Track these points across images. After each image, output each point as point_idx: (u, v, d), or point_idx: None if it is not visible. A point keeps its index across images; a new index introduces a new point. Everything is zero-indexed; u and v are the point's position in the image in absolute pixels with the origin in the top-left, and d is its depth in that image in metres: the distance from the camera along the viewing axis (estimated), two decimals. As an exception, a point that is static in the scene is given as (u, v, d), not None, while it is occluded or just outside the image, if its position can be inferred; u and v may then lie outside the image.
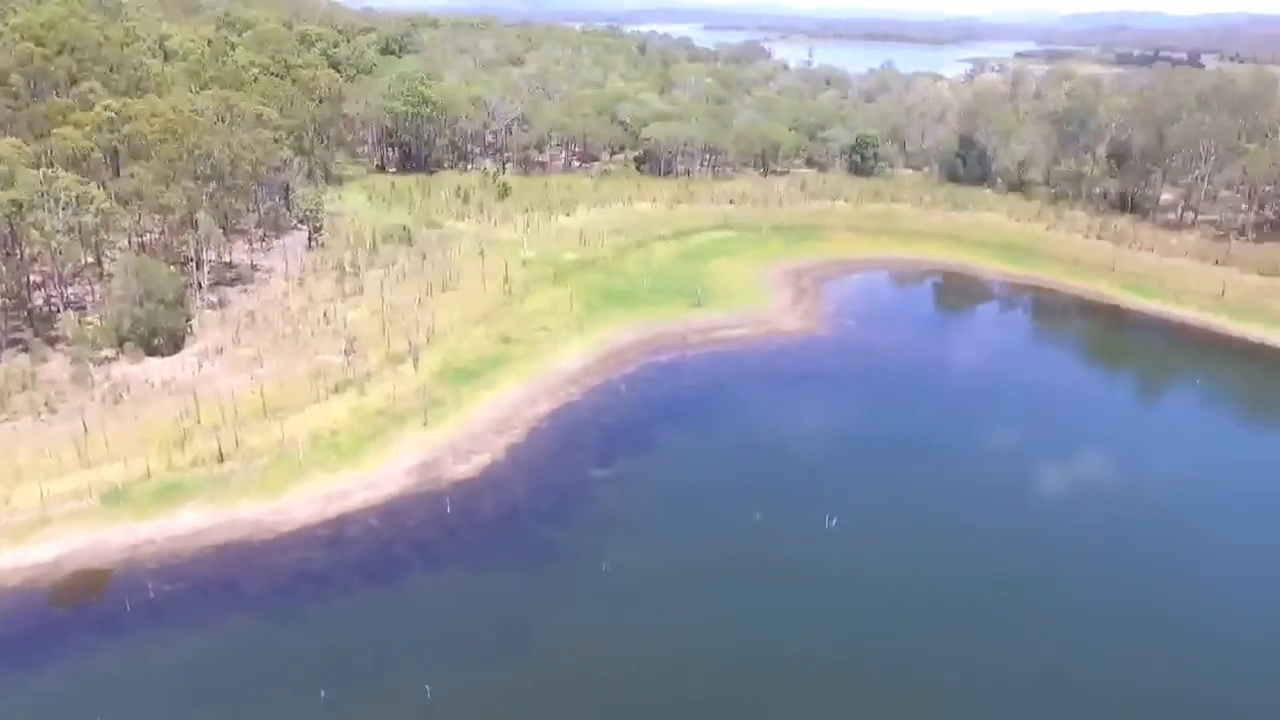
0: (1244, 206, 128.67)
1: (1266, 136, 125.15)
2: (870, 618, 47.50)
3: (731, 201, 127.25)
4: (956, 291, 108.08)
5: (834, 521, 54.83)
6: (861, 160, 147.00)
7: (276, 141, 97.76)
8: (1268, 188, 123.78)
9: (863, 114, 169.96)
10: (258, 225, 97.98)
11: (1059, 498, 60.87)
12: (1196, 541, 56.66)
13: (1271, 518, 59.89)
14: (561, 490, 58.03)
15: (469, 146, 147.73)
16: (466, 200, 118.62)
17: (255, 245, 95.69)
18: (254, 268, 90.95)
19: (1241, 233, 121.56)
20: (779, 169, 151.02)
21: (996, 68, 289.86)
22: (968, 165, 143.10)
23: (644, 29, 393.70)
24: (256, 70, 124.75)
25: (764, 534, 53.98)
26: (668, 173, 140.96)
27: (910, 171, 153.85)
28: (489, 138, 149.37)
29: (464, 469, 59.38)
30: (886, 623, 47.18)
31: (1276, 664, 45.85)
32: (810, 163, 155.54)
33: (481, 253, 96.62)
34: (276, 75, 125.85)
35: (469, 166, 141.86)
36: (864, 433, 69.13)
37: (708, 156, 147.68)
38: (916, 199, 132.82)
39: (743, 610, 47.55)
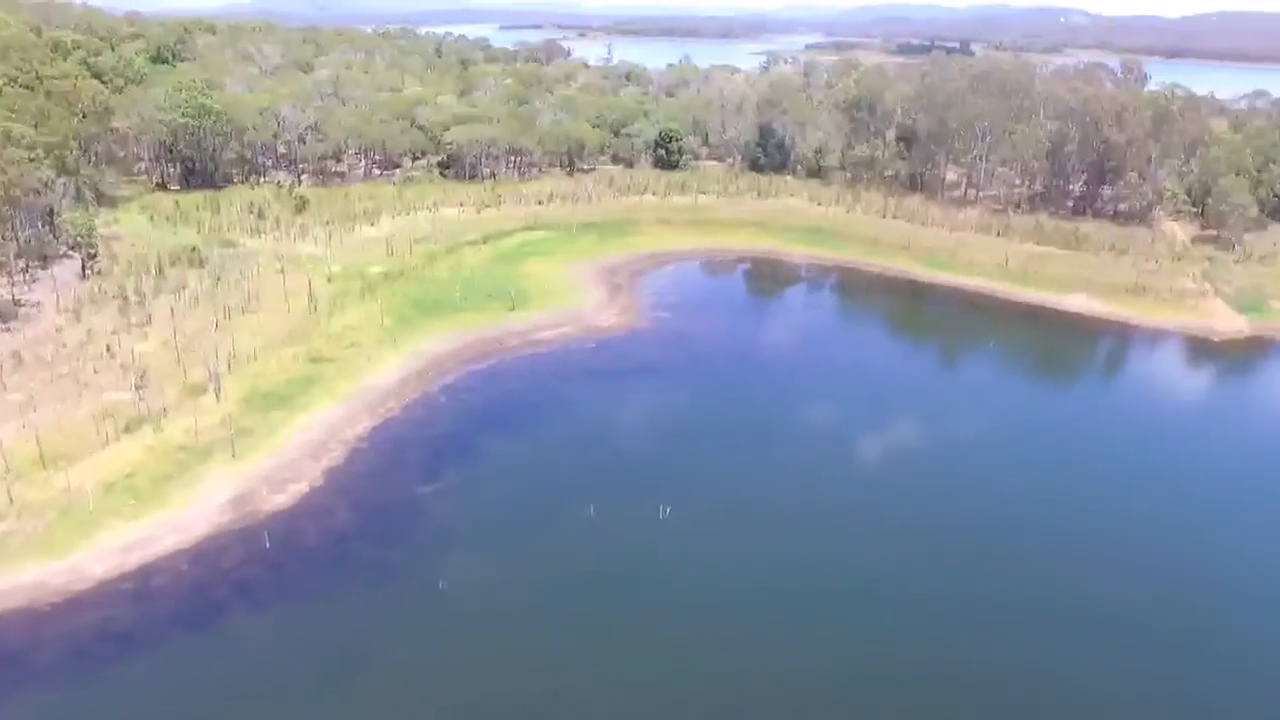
0: (1017, 182, 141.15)
1: (1031, 117, 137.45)
2: (708, 608, 48.77)
3: (540, 202, 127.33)
4: (767, 277, 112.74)
5: (668, 511, 56.01)
6: (667, 154, 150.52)
7: (33, 161, 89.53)
8: (1035, 164, 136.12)
9: (665, 108, 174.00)
10: (18, 255, 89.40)
11: (883, 467, 64.65)
12: (1017, 495, 61.75)
13: (1060, 462, 66.32)
14: (389, 510, 56.37)
15: (260, 159, 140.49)
16: (261, 216, 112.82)
17: (17, 278, 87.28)
18: (17, 303, 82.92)
19: (1017, 206, 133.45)
20: (586, 167, 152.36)
21: (789, 60, 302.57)
22: (768, 154, 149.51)
23: (439, 30, 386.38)
24: (1, 81, 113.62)
25: (599, 530, 54.48)
26: (473, 176, 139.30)
27: (714, 163, 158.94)
28: (281, 149, 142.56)
29: (281, 499, 56.55)
30: (724, 612, 48.64)
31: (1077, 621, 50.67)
32: (616, 159, 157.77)
33: (281, 270, 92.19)
34: (27, 87, 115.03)
35: (261, 180, 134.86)
36: (690, 421, 70.86)
37: (513, 158, 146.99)
38: (722, 189, 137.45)
39: (583, 612, 47.77)
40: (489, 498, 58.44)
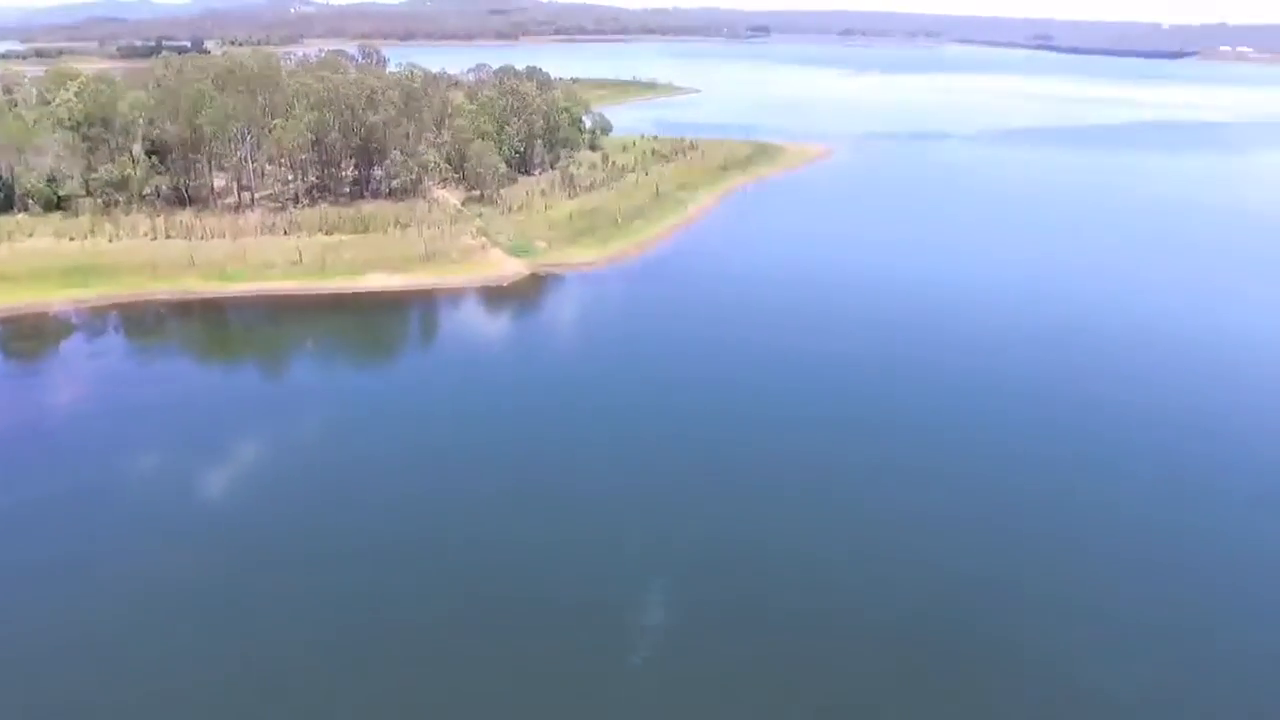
0: (290, 177, 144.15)
1: (288, 110, 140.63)
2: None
3: None
4: (30, 336, 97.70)
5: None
6: None
7: None
8: (303, 156, 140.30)
9: None
10: None
11: (214, 514, 62.40)
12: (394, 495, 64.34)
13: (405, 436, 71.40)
14: None
15: None
16: None
17: None
18: None
19: (296, 200, 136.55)
20: None
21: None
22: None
23: None
24: None
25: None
26: None
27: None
28: None
29: None
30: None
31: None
32: None
33: None
34: None
35: None
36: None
37: None
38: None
39: None
40: None
